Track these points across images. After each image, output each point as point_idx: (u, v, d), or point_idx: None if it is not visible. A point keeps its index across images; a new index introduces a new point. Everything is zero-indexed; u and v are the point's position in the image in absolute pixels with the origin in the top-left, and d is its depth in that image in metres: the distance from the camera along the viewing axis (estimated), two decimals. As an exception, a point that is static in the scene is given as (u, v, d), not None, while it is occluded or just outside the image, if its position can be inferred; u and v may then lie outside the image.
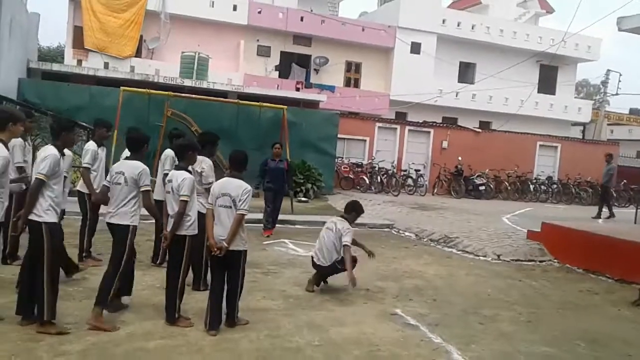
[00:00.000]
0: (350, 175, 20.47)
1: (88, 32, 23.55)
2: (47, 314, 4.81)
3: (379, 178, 20.29)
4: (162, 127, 14.84)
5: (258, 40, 26.81)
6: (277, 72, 27.10)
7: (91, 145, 7.25)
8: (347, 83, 28.97)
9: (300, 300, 6.55)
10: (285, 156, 13.19)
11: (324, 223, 12.47)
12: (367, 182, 20.18)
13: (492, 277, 8.76)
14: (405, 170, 21.62)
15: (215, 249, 5.19)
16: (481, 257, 10.26)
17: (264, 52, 27.06)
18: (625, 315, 7.25)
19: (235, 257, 5.31)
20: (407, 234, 12.46)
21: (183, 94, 15.27)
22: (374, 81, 28.87)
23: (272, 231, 10.88)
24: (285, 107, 14.73)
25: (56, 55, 33.17)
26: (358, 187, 20.18)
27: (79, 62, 23.33)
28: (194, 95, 15.40)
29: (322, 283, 7.17)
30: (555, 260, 10.32)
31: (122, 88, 13.47)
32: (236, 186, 5.30)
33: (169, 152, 7.36)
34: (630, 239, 9.61)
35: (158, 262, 7.38)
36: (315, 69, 28.03)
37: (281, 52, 27.39)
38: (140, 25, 24.20)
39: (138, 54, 24.76)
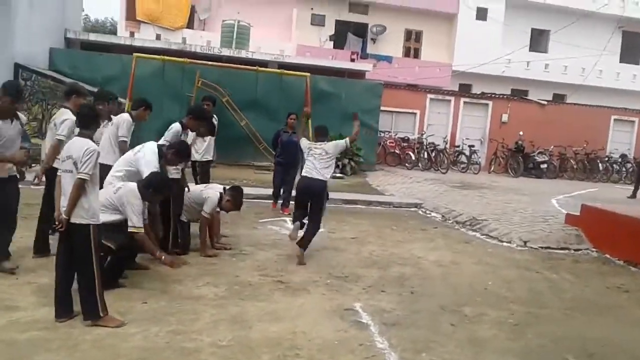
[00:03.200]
0: (396, 151, 19.27)
1: (139, 2, 23.49)
2: None
3: (425, 154, 18.93)
4: (192, 98, 14.50)
5: (312, 8, 25.85)
6: (332, 43, 26.05)
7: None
8: (407, 53, 27.51)
9: (247, 288, 5.68)
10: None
11: (348, 202, 11.87)
12: (414, 158, 18.87)
13: (504, 267, 7.53)
14: (458, 146, 20.09)
15: (57, 222, 4.38)
16: (505, 243, 9.00)
17: (318, 21, 26.07)
18: (653, 321, 5.91)
19: (77, 233, 4.37)
20: (433, 214, 11.30)
21: (199, 61, 14.68)
22: (436, 51, 27.21)
23: (282, 207, 10.17)
24: (309, 74, 13.72)
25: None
26: (406, 164, 18.95)
27: (132, 34, 23.33)
28: (210, 63, 14.73)
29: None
30: (594, 250, 8.90)
31: (135, 55, 12.98)
32: (79, 146, 4.41)
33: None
34: (683, 228, 8.07)
35: None
36: (372, 39, 26.74)
37: (336, 20, 26.31)
38: (190, -5, 23.89)
39: (190, 25, 24.51)
